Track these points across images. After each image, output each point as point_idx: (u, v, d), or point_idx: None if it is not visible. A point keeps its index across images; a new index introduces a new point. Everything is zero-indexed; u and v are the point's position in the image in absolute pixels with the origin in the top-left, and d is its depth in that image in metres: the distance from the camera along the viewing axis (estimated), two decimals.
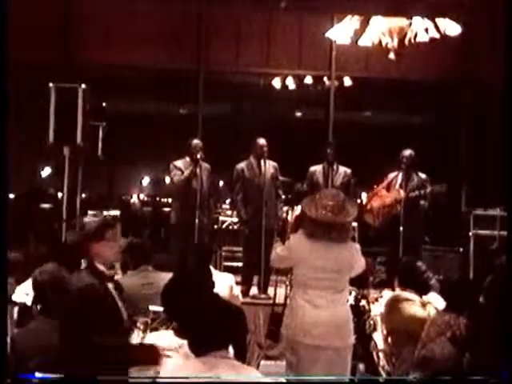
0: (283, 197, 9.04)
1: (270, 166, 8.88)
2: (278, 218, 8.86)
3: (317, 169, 9.23)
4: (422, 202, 8.87)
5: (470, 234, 9.63)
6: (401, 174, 9.00)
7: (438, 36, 8.95)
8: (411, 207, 8.76)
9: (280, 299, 7.21)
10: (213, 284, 4.98)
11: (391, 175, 9.12)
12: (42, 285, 4.37)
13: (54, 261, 4.63)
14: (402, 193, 8.81)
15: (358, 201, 11.92)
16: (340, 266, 5.22)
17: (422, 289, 5.68)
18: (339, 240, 5.24)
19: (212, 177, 9.07)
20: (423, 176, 9.00)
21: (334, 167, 9.15)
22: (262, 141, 8.83)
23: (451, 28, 8.99)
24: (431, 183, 8.89)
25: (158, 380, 3.74)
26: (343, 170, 9.19)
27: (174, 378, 3.73)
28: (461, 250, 9.93)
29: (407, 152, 9.02)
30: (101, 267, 4.37)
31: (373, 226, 9.08)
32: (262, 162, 8.80)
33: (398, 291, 5.70)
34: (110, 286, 4.49)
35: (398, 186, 8.94)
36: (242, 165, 8.94)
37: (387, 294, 6.15)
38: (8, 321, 5.00)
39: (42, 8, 10.41)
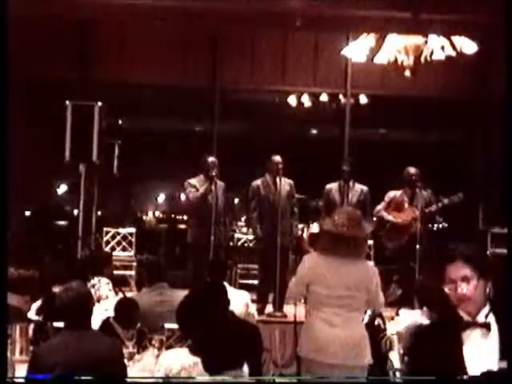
0: (297, 211, 8.99)
1: (285, 184, 8.84)
2: (293, 236, 8.82)
3: (333, 186, 9.18)
4: (438, 220, 8.81)
5: (488, 252, 9.54)
6: (407, 192, 8.91)
7: (454, 54, 8.93)
8: (427, 224, 8.70)
9: (301, 318, 7.17)
10: (228, 302, 4.95)
11: (394, 194, 8.99)
12: None
13: None
14: (417, 211, 8.73)
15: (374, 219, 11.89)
16: (354, 282, 5.21)
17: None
18: (354, 255, 5.24)
19: (227, 194, 9.05)
20: (429, 192, 8.91)
21: (350, 184, 9.10)
22: (276, 158, 8.80)
23: (467, 46, 8.97)
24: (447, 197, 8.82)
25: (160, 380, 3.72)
26: (360, 187, 9.13)
27: (174, 379, 3.71)
28: None
29: (413, 170, 8.94)
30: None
31: (392, 247, 8.97)
32: (278, 179, 8.76)
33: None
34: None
35: (407, 205, 8.85)
36: (257, 182, 8.91)
37: (405, 312, 6.09)
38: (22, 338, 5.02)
39: (58, 27, 10.47)
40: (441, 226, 8.95)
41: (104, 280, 7.02)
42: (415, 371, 3.28)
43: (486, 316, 3.15)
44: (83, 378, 3.70)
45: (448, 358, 3.10)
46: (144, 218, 19.60)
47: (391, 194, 8.99)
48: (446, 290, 3.18)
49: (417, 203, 8.78)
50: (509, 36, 7.28)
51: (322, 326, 5.13)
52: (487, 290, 3.16)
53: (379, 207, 9.01)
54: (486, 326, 3.13)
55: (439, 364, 3.10)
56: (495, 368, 3.06)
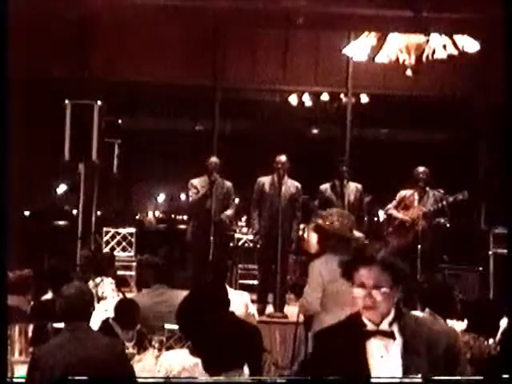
0: (299, 215, 8.92)
1: (291, 186, 8.72)
2: (292, 238, 8.74)
3: (328, 186, 9.10)
4: (441, 220, 8.75)
5: (490, 252, 9.50)
6: (418, 191, 8.87)
7: (456, 53, 8.89)
8: (431, 224, 8.67)
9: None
10: (228, 302, 4.91)
11: (405, 193, 8.96)
12: None
13: None
14: (424, 209, 8.70)
15: (375, 219, 11.84)
16: None
17: (448, 312, 5.54)
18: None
19: (229, 194, 9.00)
20: (440, 191, 8.88)
21: (345, 183, 9.01)
22: (279, 158, 8.70)
23: (469, 45, 8.94)
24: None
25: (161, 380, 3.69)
26: (354, 185, 9.08)
27: (176, 379, 3.68)
28: (480, 269, 9.79)
29: (422, 169, 8.90)
30: None
31: (397, 245, 8.91)
32: (283, 179, 8.64)
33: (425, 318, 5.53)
34: None
35: (416, 203, 8.82)
36: (264, 179, 8.82)
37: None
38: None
39: (58, 25, 10.43)
40: (444, 225, 8.87)
41: (108, 279, 7.03)
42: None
43: (391, 324, 2.98)
44: (83, 378, 3.67)
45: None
46: (144, 217, 19.59)
47: (402, 193, 8.96)
48: (356, 291, 3.01)
49: (426, 202, 8.74)
50: (509, 34, 7.24)
51: None
52: (395, 297, 2.99)
53: (389, 206, 8.99)
54: (390, 335, 2.97)
55: None
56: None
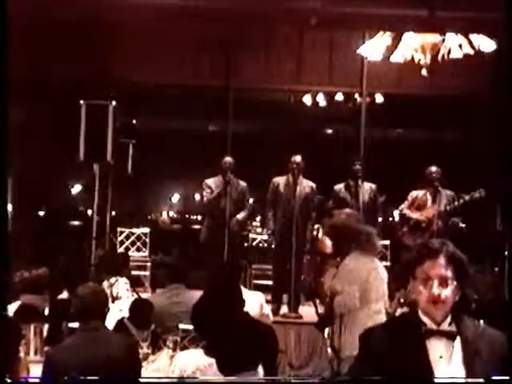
0: (314, 215, 8.90)
1: (306, 186, 8.71)
2: (306, 239, 8.72)
3: (341, 186, 9.08)
4: (456, 220, 8.72)
5: (506, 253, 9.43)
6: (430, 191, 8.83)
7: (471, 52, 8.83)
8: (446, 224, 8.63)
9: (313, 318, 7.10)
10: (243, 302, 4.91)
11: (416, 194, 8.93)
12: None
13: None
14: (439, 209, 8.66)
15: (390, 219, 11.81)
16: (385, 274, 5.48)
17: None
18: (376, 251, 5.64)
19: (243, 194, 8.99)
20: (452, 192, 8.85)
21: (359, 183, 8.98)
22: (294, 158, 8.69)
23: (485, 44, 8.87)
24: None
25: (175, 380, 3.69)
26: (368, 185, 9.06)
27: (190, 379, 3.67)
28: (496, 269, 9.73)
29: (434, 168, 8.87)
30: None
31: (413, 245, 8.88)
32: (298, 179, 8.62)
33: None
34: None
35: (430, 203, 8.79)
36: (279, 179, 8.82)
37: None
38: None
39: (71, 26, 10.45)
40: (459, 225, 8.82)
41: (122, 279, 7.05)
42: None
43: (450, 324, 2.87)
44: (97, 378, 3.68)
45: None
46: (158, 217, 19.61)
47: (414, 193, 8.94)
48: (419, 287, 2.85)
49: (439, 202, 8.71)
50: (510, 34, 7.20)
51: (371, 323, 5.00)
52: (456, 296, 2.87)
53: (403, 206, 8.96)
54: (450, 335, 2.86)
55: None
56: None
